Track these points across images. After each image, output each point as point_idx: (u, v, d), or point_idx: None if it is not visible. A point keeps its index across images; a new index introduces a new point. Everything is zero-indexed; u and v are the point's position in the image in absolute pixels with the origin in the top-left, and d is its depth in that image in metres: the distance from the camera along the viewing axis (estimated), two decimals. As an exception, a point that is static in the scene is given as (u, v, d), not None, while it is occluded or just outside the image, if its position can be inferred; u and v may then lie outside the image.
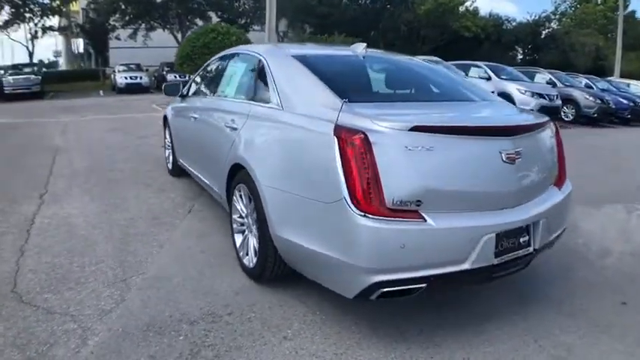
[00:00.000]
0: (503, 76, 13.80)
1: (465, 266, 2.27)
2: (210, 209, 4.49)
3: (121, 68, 24.82)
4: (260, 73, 3.27)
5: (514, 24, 34.40)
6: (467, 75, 13.77)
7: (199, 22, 29.64)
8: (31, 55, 30.02)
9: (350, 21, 30.33)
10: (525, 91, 12.87)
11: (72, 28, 32.16)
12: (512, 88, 13.00)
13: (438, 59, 12.68)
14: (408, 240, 2.13)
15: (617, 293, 3.11)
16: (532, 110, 3.81)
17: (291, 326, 2.56)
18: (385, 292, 2.21)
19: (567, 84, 15.33)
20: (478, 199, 2.35)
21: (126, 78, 23.48)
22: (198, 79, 4.81)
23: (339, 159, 2.19)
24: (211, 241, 3.71)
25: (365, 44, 3.39)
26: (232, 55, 4.06)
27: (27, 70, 22.68)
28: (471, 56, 19.82)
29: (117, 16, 29.19)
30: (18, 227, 4.07)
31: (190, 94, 4.82)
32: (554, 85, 14.80)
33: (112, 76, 25.70)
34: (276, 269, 2.80)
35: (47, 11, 29.63)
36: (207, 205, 4.59)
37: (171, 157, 5.68)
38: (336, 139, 2.23)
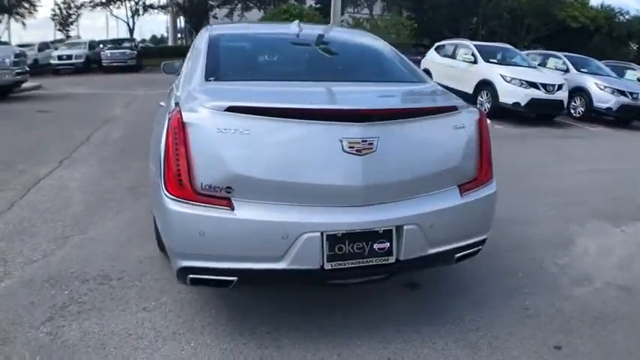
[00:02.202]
0: (583, 69, 12.70)
1: (281, 265, 2.10)
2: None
3: (213, 46, 26.23)
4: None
5: (627, 17, 30.95)
6: (544, 66, 12.86)
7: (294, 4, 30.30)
8: (131, 31, 32.55)
9: (447, 5, 29.20)
10: (605, 86, 11.76)
11: (173, 7, 34.30)
12: (590, 82, 11.93)
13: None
14: (208, 227, 2.06)
15: (559, 333, 2.60)
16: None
17: (159, 300, 2.72)
18: (195, 278, 2.17)
19: (662, 83, 13.71)
20: (305, 192, 2.11)
21: (215, 56, 24.79)
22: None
23: (164, 138, 2.17)
24: (162, 213, 4.04)
25: (297, 21, 3.35)
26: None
27: (125, 44, 24.87)
28: (579, 49, 18.12)
29: (214, -6, 30.75)
30: (23, 185, 4.71)
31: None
32: (647, 83, 13.34)
33: (205, 53, 27.27)
34: None
35: (147, -11, 31.88)
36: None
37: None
38: (167, 118, 2.20)
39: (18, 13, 30.25)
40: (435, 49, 13.38)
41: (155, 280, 2.95)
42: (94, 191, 4.59)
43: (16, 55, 11.23)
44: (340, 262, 2.15)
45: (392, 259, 2.23)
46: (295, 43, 3.15)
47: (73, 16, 32.76)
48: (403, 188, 2.26)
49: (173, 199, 2.09)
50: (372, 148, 2.11)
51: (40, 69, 20.02)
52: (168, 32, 53.68)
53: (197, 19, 32.60)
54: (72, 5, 32.29)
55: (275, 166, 2.09)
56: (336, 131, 2.09)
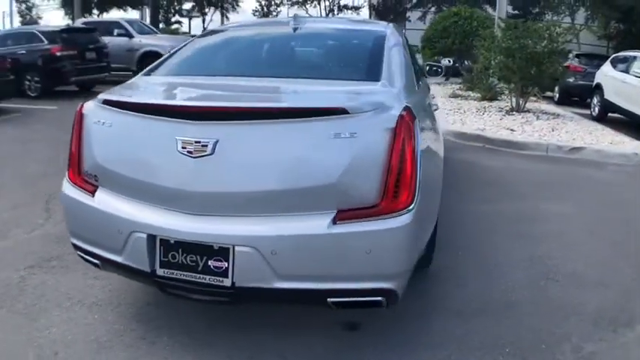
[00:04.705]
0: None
1: (119, 259, 2.17)
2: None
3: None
4: None
5: None
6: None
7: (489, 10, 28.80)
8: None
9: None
10: None
11: (370, 8, 35.24)
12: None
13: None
14: (76, 211, 2.31)
15: None
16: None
17: (110, 277, 2.82)
18: (79, 255, 2.41)
19: None
20: (145, 191, 2.12)
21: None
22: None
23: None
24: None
25: (294, 15, 3.46)
26: None
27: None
28: None
29: (405, -3, 30.83)
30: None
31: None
32: None
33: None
34: None
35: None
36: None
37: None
38: None
39: (223, 7, 34.78)
40: (611, 62, 11.34)
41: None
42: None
43: (184, 45, 12.98)
44: (173, 272, 2.07)
45: (227, 282, 2.00)
46: (274, 40, 3.22)
47: (273, 13, 36.17)
48: (246, 202, 1.99)
49: (68, 183, 2.37)
50: (205, 151, 1.94)
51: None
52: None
53: (392, 21, 33.14)
54: (272, 2, 35.76)
55: (123, 160, 2.19)
56: (172, 129, 2.01)
